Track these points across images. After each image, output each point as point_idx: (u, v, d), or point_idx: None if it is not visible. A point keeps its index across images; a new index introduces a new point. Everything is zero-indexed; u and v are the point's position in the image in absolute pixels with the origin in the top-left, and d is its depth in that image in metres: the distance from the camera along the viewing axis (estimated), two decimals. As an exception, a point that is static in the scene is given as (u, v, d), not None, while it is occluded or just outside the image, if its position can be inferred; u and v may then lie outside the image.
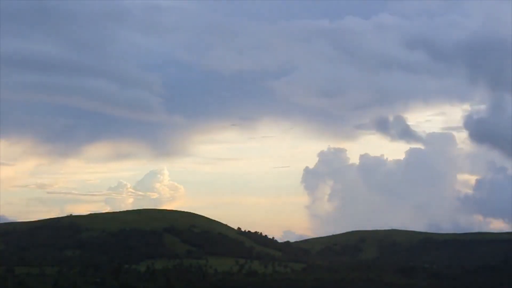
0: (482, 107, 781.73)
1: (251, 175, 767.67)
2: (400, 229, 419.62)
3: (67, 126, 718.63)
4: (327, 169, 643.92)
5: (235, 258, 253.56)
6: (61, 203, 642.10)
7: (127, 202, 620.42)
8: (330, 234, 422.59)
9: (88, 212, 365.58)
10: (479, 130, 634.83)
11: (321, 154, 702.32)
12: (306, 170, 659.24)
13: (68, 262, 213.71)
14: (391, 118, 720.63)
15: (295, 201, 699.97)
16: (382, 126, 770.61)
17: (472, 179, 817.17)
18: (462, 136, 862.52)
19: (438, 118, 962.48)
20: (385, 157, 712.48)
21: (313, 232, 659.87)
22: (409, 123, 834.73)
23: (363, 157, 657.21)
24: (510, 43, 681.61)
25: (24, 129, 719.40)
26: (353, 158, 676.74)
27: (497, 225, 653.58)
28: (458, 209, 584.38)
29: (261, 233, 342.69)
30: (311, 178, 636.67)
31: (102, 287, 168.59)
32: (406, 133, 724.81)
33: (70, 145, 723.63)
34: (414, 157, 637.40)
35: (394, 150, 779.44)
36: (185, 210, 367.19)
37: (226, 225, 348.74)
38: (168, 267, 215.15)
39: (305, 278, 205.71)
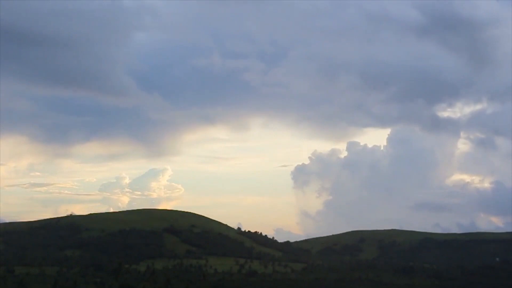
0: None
1: (251, 174, 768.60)
2: (400, 229, 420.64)
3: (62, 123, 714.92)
4: (322, 167, 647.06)
5: (235, 258, 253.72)
6: (57, 203, 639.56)
7: (124, 202, 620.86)
8: (329, 234, 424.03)
9: (88, 212, 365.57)
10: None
11: (316, 153, 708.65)
12: (301, 168, 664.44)
13: (68, 262, 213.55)
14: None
15: (294, 200, 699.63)
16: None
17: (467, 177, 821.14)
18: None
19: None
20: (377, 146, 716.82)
21: (306, 231, 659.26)
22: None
23: (352, 145, 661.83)
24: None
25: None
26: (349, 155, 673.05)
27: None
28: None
29: (261, 233, 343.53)
30: (306, 176, 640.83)
31: (102, 287, 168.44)
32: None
33: (65, 143, 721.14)
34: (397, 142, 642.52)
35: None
36: (185, 210, 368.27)
37: (226, 225, 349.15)
38: (168, 267, 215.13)
39: (305, 278, 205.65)
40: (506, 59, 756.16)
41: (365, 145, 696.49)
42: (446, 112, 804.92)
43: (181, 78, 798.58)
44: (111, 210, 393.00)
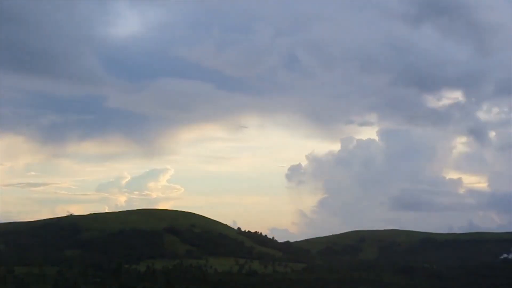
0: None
1: (250, 174, 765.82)
2: (400, 229, 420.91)
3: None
4: (319, 167, 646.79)
5: (235, 258, 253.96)
6: (55, 203, 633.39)
7: (122, 202, 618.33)
8: (327, 233, 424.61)
9: (86, 212, 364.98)
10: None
11: (313, 152, 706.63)
12: (298, 168, 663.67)
13: (68, 262, 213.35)
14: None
15: (292, 200, 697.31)
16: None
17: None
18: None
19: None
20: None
21: (302, 230, 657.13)
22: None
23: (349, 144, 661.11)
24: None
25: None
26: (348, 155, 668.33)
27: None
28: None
29: (261, 233, 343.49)
30: (303, 176, 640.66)
31: (102, 287, 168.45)
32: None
33: (63, 143, 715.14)
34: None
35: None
36: (185, 210, 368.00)
37: (226, 225, 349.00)
38: (168, 267, 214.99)
39: (305, 278, 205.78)
40: (504, 49, 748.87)
41: (363, 143, 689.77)
42: (446, 107, 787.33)
43: (170, 71, 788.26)
44: (108, 210, 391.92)
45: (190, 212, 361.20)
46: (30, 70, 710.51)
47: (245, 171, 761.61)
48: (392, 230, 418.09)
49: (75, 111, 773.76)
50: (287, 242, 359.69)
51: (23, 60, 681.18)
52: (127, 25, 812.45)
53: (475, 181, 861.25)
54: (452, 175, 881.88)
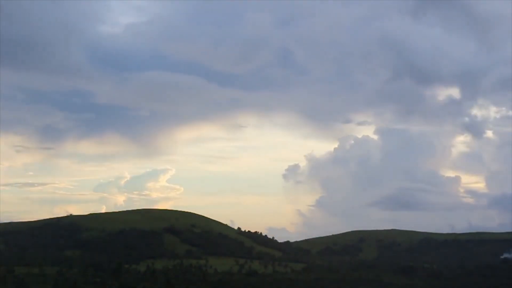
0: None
1: (248, 173, 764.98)
2: (400, 229, 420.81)
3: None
4: (318, 166, 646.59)
5: (235, 258, 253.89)
6: (53, 203, 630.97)
7: (122, 201, 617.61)
8: (327, 233, 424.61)
9: (85, 212, 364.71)
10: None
11: (313, 152, 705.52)
12: (297, 168, 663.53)
13: (68, 262, 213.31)
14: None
15: (290, 199, 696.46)
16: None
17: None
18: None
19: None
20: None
21: (300, 230, 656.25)
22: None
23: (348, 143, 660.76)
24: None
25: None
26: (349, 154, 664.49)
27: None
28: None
29: (261, 233, 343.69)
30: (302, 176, 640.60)
31: (102, 287, 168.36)
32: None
33: (62, 142, 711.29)
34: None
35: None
36: (185, 210, 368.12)
37: (226, 225, 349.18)
38: (168, 267, 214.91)
39: (305, 278, 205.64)
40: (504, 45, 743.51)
41: (362, 142, 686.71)
42: (446, 105, 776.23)
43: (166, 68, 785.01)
44: (106, 210, 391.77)
45: (190, 212, 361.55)
46: (22, 66, 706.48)
47: (245, 171, 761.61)
48: (392, 230, 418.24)
49: (70, 109, 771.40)
50: (287, 242, 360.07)
51: (12, 55, 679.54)
52: (119, 19, 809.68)
53: (475, 181, 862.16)
54: (452, 174, 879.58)
